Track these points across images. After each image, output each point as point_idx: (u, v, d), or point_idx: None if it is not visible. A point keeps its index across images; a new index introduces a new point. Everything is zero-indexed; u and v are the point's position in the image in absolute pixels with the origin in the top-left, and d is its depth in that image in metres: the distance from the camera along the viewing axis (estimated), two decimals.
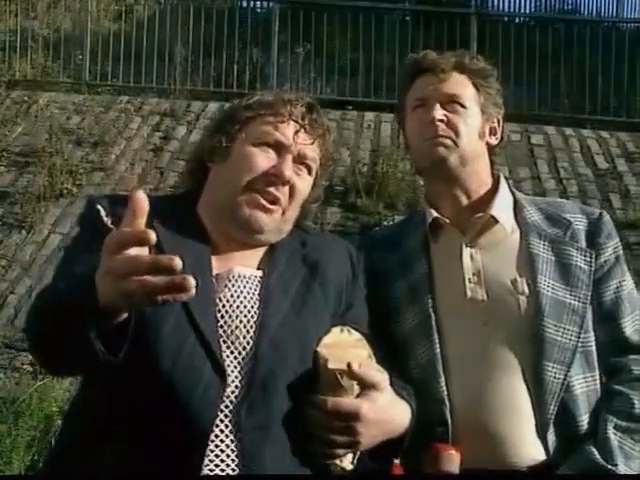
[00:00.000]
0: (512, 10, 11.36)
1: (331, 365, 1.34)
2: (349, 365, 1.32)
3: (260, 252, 1.47)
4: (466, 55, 1.75)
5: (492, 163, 1.76)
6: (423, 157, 1.71)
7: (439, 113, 1.67)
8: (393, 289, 1.68)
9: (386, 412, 1.36)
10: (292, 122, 1.47)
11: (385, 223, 5.63)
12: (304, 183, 1.48)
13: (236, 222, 1.43)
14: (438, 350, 1.59)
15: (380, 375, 1.37)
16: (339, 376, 1.33)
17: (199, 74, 8.36)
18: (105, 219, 1.34)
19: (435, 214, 1.68)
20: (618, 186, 6.67)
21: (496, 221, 1.66)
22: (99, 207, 1.37)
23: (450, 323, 1.61)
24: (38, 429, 4.22)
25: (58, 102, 7.68)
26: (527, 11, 11.50)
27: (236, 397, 1.30)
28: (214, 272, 1.39)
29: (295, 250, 1.49)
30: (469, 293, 1.61)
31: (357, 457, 1.38)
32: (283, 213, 1.45)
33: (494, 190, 1.71)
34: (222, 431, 1.28)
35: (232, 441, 1.28)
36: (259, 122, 1.48)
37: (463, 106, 1.68)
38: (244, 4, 9.53)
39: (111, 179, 6.68)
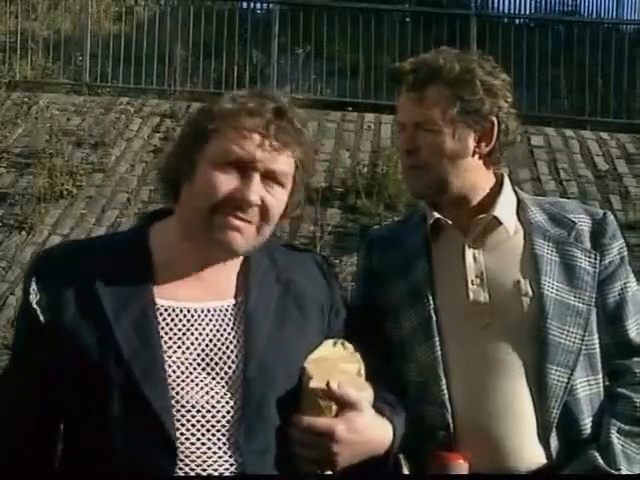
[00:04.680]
0: (512, 11, 11.37)
1: (312, 384, 1.34)
2: (327, 384, 1.33)
3: (233, 277, 1.43)
4: (442, 58, 1.64)
5: (493, 165, 1.69)
6: (407, 184, 1.73)
7: (408, 143, 1.65)
8: (393, 290, 1.67)
9: (363, 433, 1.35)
10: (256, 135, 1.34)
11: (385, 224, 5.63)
12: (277, 198, 1.39)
13: (211, 244, 1.37)
14: (439, 353, 1.58)
15: (359, 395, 1.36)
16: (318, 395, 1.33)
17: (199, 75, 8.36)
18: (33, 302, 1.35)
19: (437, 215, 1.66)
20: (618, 187, 6.67)
21: (499, 222, 1.64)
22: (32, 287, 1.36)
23: (451, 325, 1.60)
24: None
25: (58, 103, 7.68)
26: (527, 12, 11.51)
27: (233, 423, 1.30)
28: (190, 306, 1.37)
29: (267, 270, 1.45)
30: (471, 295, 1.60)
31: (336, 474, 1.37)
32: (258, 231, 1.38)
33: (497, 190, 1.68)
34: (224, 454, 1.29)
35: (233, 464, 1.29)
36: (221, 138, 1.36)
37: (434, 129, 1.62)
38: (244, 5, 9.55)
39: (111, 180, 6.68)
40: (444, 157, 1.62)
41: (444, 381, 1.57)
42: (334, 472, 1.36)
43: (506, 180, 1.71)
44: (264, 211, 1.37)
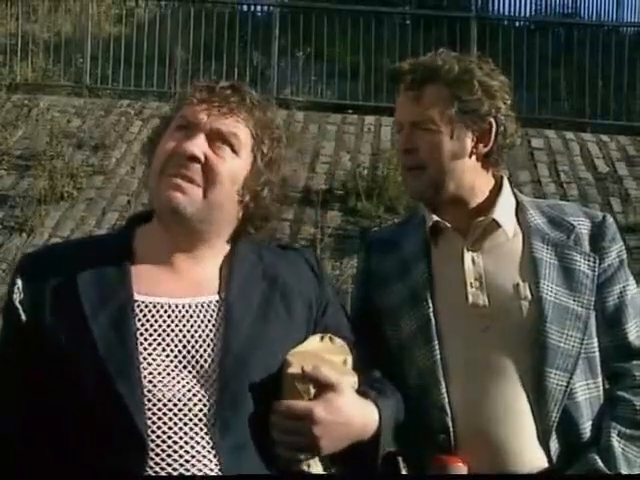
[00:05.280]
0: (512, 14, 11.39)
1: (289, 370, 1.34)
2: (302, 367, 1.32)
3: (216, 272, 1.43)
4: (440, 59, 1.65)
5: (491, 167, 1.69)
6: (405, 186, 1.73)
7: (406, 143, 1.65)
8: (392, 293, 1.66)
9: (343, 413, 1.32)
10: (203, 103, 1.41)
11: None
12: (226, 163, 1.39)
13: (161, 209, 1.40)
14: (438, 356, 1.57)
15: (338, 377, 1.34)
16: (295, 380, 1.33)
17: (199, 77, 8.33)
18: (16, 300, 1.37)
19: (435, 218, 1.65)
20: (618, 190, 6.67)
21: (498, 225, 1.63)
22: (16, 285, 1.38)
23: (451, 329, 1.59)
24: None
25: (59, 105, 7.68)
26: (527, 15, 11.52)
27: (209, 419, 1.29)
28: (170, 302, 1.36)
29: (253, 265, 1.45)
30: (470, 298, 1.59)
31: (326, 463, 1.36)
32: (204, 195, 1.38)
33: (496, 193, 1.68)
34: (202, 449, 1.27)
35: (212, 460, 1.27)
36: (178, 111, 1.45)
37: (431, 129, 1.62)
38: (244, 8, 9.54)
39: (112, 182, 6.68)
40: (442, 157, 1.62)
41: (444, 385, 1.56)
42: (319, 457, 1.34)
43: (505, 182, 1.71)
44: (208, 170, 1.38)
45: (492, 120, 1.64)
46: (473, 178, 1.66)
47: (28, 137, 7.16)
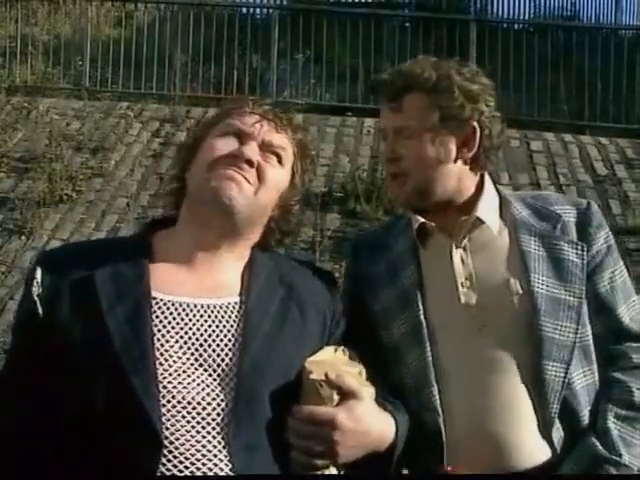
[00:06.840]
0: (511, 16, 11.40)
1: (312, 376, 1.35)
2: (326, 374, 1.33)
3: (236, 276, 1.45)
4: (418, 67, 1.65)
5: (480, 169, 1.68)
6: (390, 192, 1.72)
7: (389, 151, 1.66)
8: (381, 296, 1.66)
9: (364, 422, 1.34)
10: (255, 114, 1.49)
11: None
12: (274, 171, 1.47)
13: (207, 199, 1.42)
14: (430, 358, 1.57)
15: (360, 386, 1.36)
16: (318, 385, 1.34)
17: (199, 80, 8.37)
18: (34, 293, 1.38)
19: (421, 219, 1.65)
20: (617, 192, 6.67)
21: (482, 222, 1.63)
22: (35, 278, 1.39)
23: (444, 329, 1.59)
24: None
25: (58, 108, 7.69)
26: (526, 17, 11.54)
27: (223, 419, 1.30)
28: (189, 301, 1.38)
29: (271, 272, 1.48)
30: (462, 298, 1.59)
31: (340, 471, 1.36)
32: (255, 193, 1.44)
33: (478, 191, 1.67)
34: (213, 448, 1.28)
35: (222, 460, 1.28)
36: (224, 119, 1.51)
37: (413, 137, 1.62)
38: (244, 10, 9.56)
39: (111, 185, 6.68)
40: (425, 164, 1.62)
41: (435, 386, 1.56)
42: (335, 464, 1.34)
43: (487, 179, 1.70)
44: (261, 175, 1.45)
45: (475, 124, 1.63)
46: (459, 182, 1.65)
47: (27, 140, 7.17)
